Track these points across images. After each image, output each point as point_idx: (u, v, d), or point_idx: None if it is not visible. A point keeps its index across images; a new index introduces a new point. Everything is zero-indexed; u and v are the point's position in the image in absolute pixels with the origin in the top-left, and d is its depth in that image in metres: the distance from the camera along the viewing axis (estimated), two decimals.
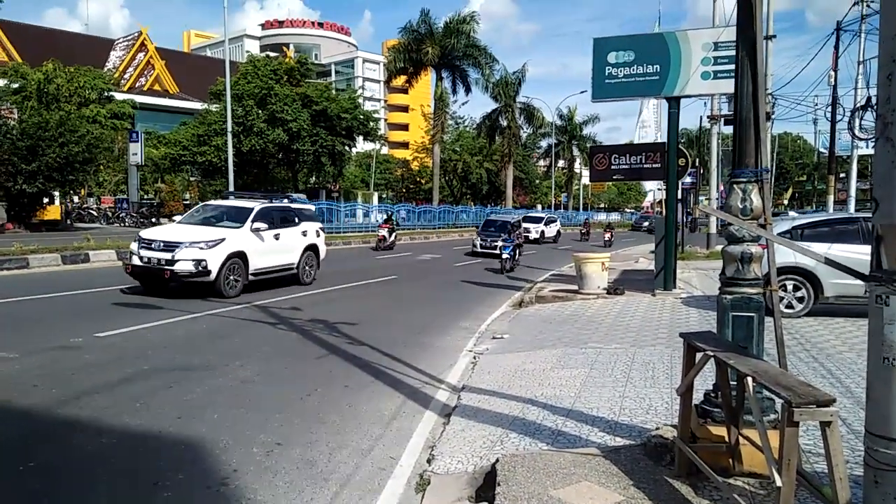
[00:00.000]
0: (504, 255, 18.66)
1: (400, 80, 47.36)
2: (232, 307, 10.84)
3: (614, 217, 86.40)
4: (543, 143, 70.99)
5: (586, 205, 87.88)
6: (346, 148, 40.81)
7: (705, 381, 4.94)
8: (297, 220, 14.16)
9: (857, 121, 21.45)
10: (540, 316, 11.26)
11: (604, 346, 8.22)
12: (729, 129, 28.60)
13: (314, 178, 45.71)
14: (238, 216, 12.81)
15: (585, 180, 77.52)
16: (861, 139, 22.92)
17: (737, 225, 4.16)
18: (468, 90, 47.08)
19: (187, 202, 39.41)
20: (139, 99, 48.01)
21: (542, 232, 36.81)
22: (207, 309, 10.49)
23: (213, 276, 11.36)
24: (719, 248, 7.42)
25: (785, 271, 9.97)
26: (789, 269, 10.05)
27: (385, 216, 30.94)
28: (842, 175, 40.09)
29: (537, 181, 75.92)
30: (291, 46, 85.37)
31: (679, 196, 16.30)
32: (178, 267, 11.14)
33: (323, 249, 15.07)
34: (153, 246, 11.45)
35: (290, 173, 41.82)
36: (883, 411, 2.63)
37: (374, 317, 10.70)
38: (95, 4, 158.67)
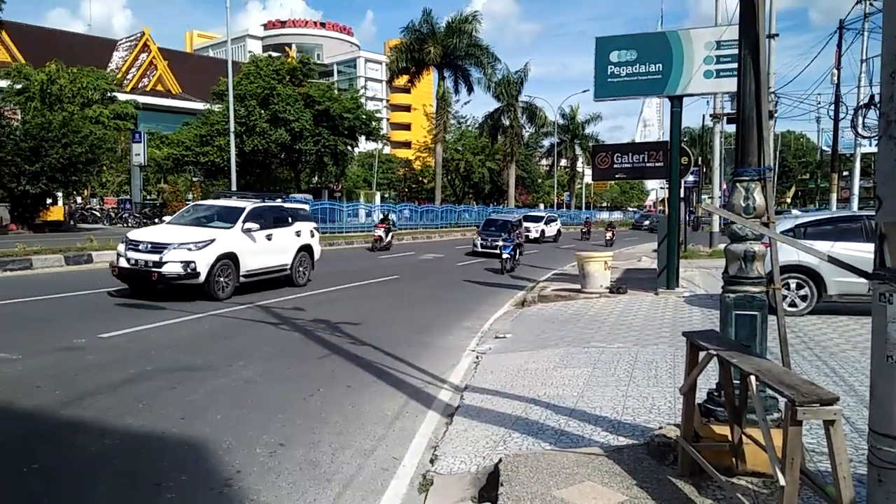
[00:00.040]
0: (504, 255, 18.52)
1: (402, 80, 47.43)
2: (234, 307, 10.85)
3: (617, 216, 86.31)
4: (546, 143, 70.99)
5: (589, 204, 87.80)
6: (349, 148, 40.88)
7: (708, 380, 4.93)
8: (290, 220, 13.88)
9: (860, 119, 21.40)
10: (542, 315, 11.25)
11: (607, 346, 8.21)
12: (731, 128, 28.58)
13: (317, 178, 45.79)
14: (229, 216, 12.51)
15: (588, 179, 77.38)
16: (864, 137, 22.85)
17: (740, 223, 4.15)
18: (470, 90, 47.13)
19: (190, 202, 39.47)
20: (142, 99, 48.13)
21: (543, 231, 36.63)
22: (210, 309, 10.50)
23: (202, 278, 11.07)
24: (722, 246, 7.41)
25: (788, 269, 9.94)
26: (792, 267, 10.02)
27: (382, 216, 30.48)
28: (845, 173, 39.99)
29: (540, 180, 75.88)
30: (294, 46, 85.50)
31: (682, 195, 16.27)
32: (165, 269, 10.84)
33: (317, 250, 14.78)
34: (140, 247, 11.16)
35: (292, 173, 41.89)
36: (886, 409, 2.62)
37: (377, 316, 10.70)
38: (98, 5, 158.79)
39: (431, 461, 4.76)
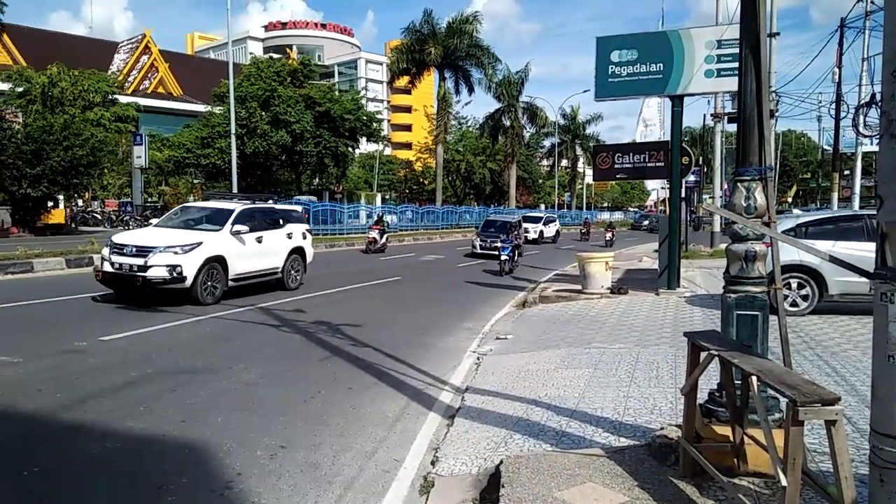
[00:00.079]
0: (503, 257, 18.27)
1: (403, 81, 47.43)
2: (235, 310, 10.85)
3: (618, 216, 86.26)
4: (546, 143, 70.98)
5: (590, 204, 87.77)
6: (350, 149, 40.90)
7: (710, 380, 4.92)
8: (281, 221, 13.62)
9: (862, 118, 21.37)
10: (543, 316, 11.24)
11: (608, 346, 8.20)
12: (732, 127, 28.60)
13: (317, 180, 45.83)
14: (217, 219, 12.21)
15: (589, 179, 77.31)
16: (865, 136, 22.82)
17: (741, 223, 4.14)
18: (471, 90, 47.11)
19: None
20: (143, 102, 48.23)
21: (541, 232, 36.37)
22: (210, 312, 10.50)
23: (188, 282, 10.75)
24: (723, 246, 7.40)
25: (789, 269, 9.93)
26: (794, 267, 10.01)
27: (376, 217, 29.97)
28: (846, 172, 39.92)
29: (541, 181, 75.85)
30: (294, 48, 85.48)
31: (683, 194, 16.26)
32: (150, 273, 10.53)
33: (310, 252, 14.49)
34: (125, 251, 10.84)
35: (293, 175, 41.93)
36: (888, 409, 2.61)
37: (378, 318, 10.69)
38: (99, 7, 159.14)
39: (432, 463, 4.75)
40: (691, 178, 25.89)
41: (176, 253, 10.76)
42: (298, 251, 13.85)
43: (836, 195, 28.32)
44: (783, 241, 4.14)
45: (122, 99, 43.35)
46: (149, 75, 59.65)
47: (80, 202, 37.16)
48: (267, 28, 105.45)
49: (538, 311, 11.94)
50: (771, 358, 3.99)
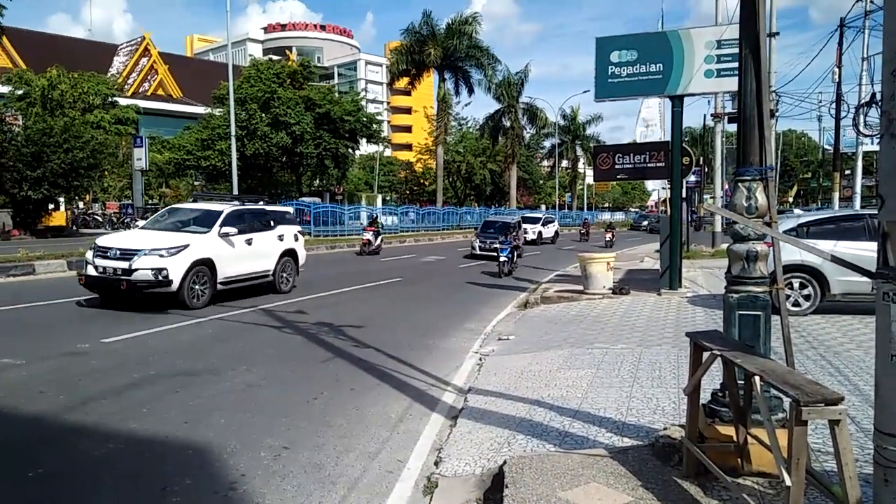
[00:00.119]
0: (501, 258, 18.03)
1: (402, 82, 47.44)
2: (236, 311, 10.87)
3: (619, 216, 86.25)
4: (547, 144, 71.03)
5: (590, 205, 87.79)
6: (350, 150, 40.91)
7: (713, 380, 4.92)
8: (272, 223, 13.28)
9: (862, 117, 21.35)
10: (545, 316, 11.24)
11: (610, 347, 8.20)
12: (733, 127, 28.58)
13: (318, 181, 45.83)
14: (205, 220, 11.89)
15: (589, 180, 77.32)
16: (866, 136, 22.81)
17: (742, 223, 4.14)
18: (471, 91, 47.12)
19: None
20: (143, 104, 48.25)
21: (540, 233, 36.01)
22: (212, 313, 10.51)
23: (174, 286, 10.45)
24: (725, 246, 7.41)
25: (791, 269, 9.93)
26: (795, 266, 10.01)
27: (370, 218, 29.33)
28: (847, 172, 39.92)
29: (541, 181, 75.88)
30: (294, 49, 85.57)
31: (684, 195, 16.26)
32: (135, 277, 10.24)
33: (302, 255, 14.19)
34: (109, 254, 10.56)
35: (293, 176, 41.95)
36: (892, 409, 2.61)
37: (379, 319, 10.70)
38: (98, 10, 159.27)
39: (436, 463, 4.76)
40: (692, 178, 25.88)
41: (162, 256, 10.49)
42: (290, 253, 13.59)
43: (837, 195, 28.30)
44: (784, 240, 4.15)
45: (122, 101, 43.39)
46: (148, 77, 59.71)
47: (80, 204, 37.19)
48: (266, 30, 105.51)
49: (540, 311, 11.95)
50: (773, 358, 3.99)
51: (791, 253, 9.39)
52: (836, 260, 3.38)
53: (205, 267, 11.10)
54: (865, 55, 25.31)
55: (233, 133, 26.16)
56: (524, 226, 32.01)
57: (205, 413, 5.61)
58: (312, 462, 4.70)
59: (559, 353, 8.05)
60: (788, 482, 2.87)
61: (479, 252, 23.49)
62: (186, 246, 10.87)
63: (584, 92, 62.54)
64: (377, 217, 30.63)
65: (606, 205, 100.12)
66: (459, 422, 5.59)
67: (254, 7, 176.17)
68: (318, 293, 13.30)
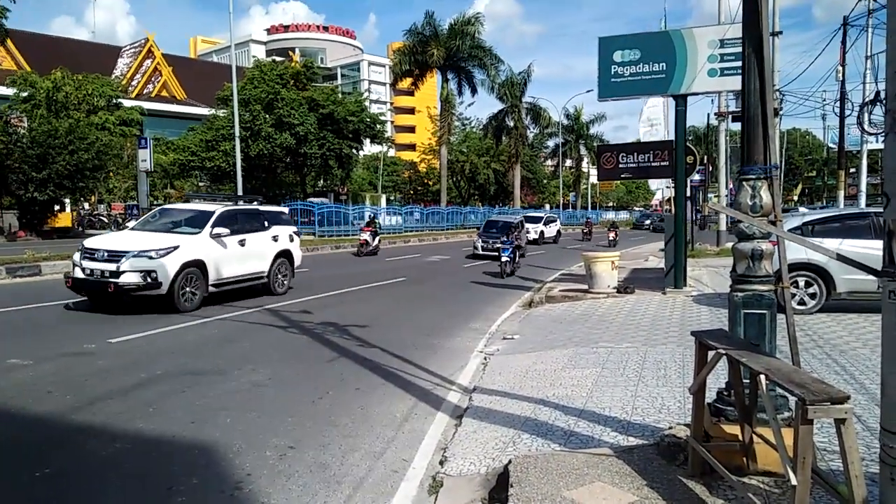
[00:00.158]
0: (503, 258, 17.76)
1: (406, 83, 47.45)
2: (242, 311, 10.89)
3: (623, 216, 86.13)
4: (550, 143, 71.01)
5: (595, 204, 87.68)
6: (354, 151, 40.96)
7: (718, 379, 4.91)
8: (266, 223, 13.01)
9: (866, 115, 21.32)
10: (550, 316, 11.24)
11: (615, 346, 8.19)
12: (737, 126, 28.48)
13: (322, 182, 45.90)
14: (197, 221, 11.64)
15: (593, 179, 77.29)
16: (870, 134, 22.76)
17: (747, 222, 4.14)
18: (474, 91, 47.13)
19: None
20: (147, 105, 48.32)
21: (542, 232, 35.60)
22: (217, 314, 10.54)
23: (164, 288, 10.21)
24: (729, 245, 7.39)
25: (796, 267, 9.91)
26: (801, 265, 9.99)
27: (368, 218, 28.78)
28: (852, 170, 39.78)
29: (545, 181, 75.85)
30: (297, 51, 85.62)
31: (688, 193, 16.22)
32: (123, 279, 9.97)
33: (298, 256, 13.93)
34: (96, 256, 10.29)
35: (297, 177, 42.01)
36: None
37: (384, 319, 10.71)
38: (102, 12, 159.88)
39: (441, 463, 4.77)
40: (696, 177, 25.81)
41: (151, 257, 10.25)
42: (285, 254, 13.34)
43: (842, 193, 28.19)
44: (790, 239, 4.14)
45: (126, 103, 43.45)
46: (152, 79, 59.79)
47: (86, 206, 37.30)
48: (269, 31, 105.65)
49: (544, 310, 11.94)
50: (779, 356, 3.98)
51: (797, 251, 9.37)
52: (841, 258, 3.38)
53: (196, 269, 10.86)
54: (869, 53, 25.25)
55: (237, 134, 26.19)
56: (526, 225, 31.71)
57: (211, 413, 5.63)
58: (318, 461, 4.71)
59: (564, 352, 8.05)
60: (794, 481, 2.87)
61: (481, 252, 23.25)
62: (177, 247, 10.62)
63: (588, 91, 62.60)
64: (375, 217, 30.24)
65: (610, 204, 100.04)
66: (464, 421, 5.59)
67: (257, 9, 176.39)
68: (323, 293, 13.31)
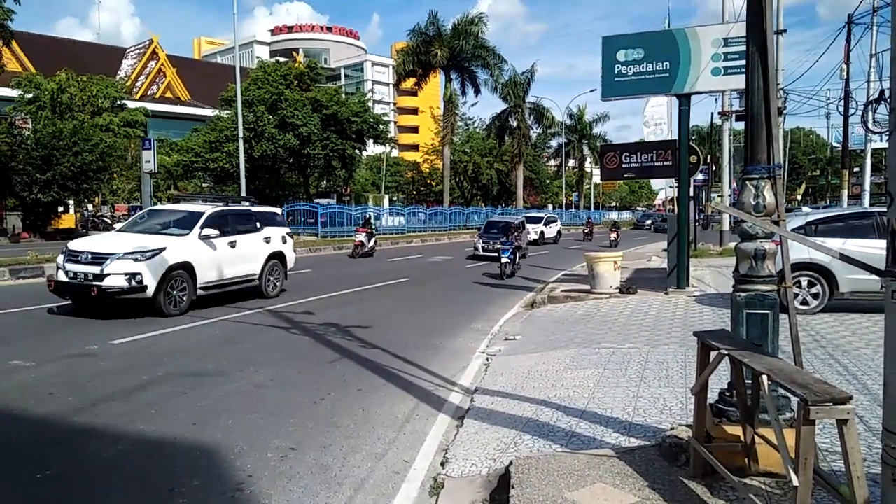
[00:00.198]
0: (503, 260, 17.48)
1: (409, 83, 47.45)
2: (244, 312, 10.90)
3: (626, 216, 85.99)
4: (553, 143, 71.01)
5: (598, 204, 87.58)
6: (357, 151, 40.98)
7: (720, 380, 4.90)
8: (258, 225, 12.73)
9: (871, 114, 21.20)
10: (552, 316, 11.22)
11: (617, 346, 8.17)
12: (740, 125, 28.38)
13: (325, 182, 45.94)
14: (185, 222, 11.35)
15: (596, 179, 77.21)
16: (874, 132, 22.63)
17: (750, 221, 4.12)
18: (477, 91, 47.12)
19: None
20: (151, 106, 48.39)
21: (542, 232, 35.20)
22: (220, 315, 10.55)
23: (150, 291, 9.91)
24: (732, 245, 7.37)
25: (799, 267, 9.87)
26: (804, 265, 9.95)
27: (363, 219, 28.43)
28: (855, 169, 39.68)
29: (548, 181, 75.81)
30: (301, 51, 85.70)
31: (691, 193, 16.19)
32: (107, 282, 9.70)
33: (291, 258, 13.66)
34: (80, 258, 10.00)
35: (301, 178, 42.05)
36: None
37: (386, 319, 10.71)
38: (107, 14, 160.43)
39: (442, 464, 4.76)
40: (700, 176, 25.76)
41: (136, 260, 9.96)
42: (277, 256, 13.06)
43: (845, 192, 28.09)
44: (793, 239, 4.13)
45: (131, 104, 43.51)
46: (156, 80, 59.92)
47: (90, 207, 37.40)
48: (273, 32, 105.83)
49: (547, 311, 11.93)
50: (781, 357, 3.97)
51: (800, 251, 9.34)
52: (844, 258, 3.36)
53: (183, 271, 10.59)
54: (874, 52, 25.16)
55: (240, 135, 26.23)
56: (527, 225, 31.41)
57: (213, 414, 5.63)
58: (319, 463, 4.70)
59: (566, 352, 8.03)
60: (796, 482, 2.85)
61: (481, 253, 23.05)
62: (163, 249, 10.33)
63: (591, 91, 62.81)
64: (370, 217, 29.84)
65: (613, 204, 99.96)
66: (466, 422, 5.58)
67: (261, 10, 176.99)
68: (325, 294, 13.31)
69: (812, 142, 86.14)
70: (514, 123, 52.21)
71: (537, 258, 25.06)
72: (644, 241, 36.24)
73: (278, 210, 14.73)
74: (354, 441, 5.16)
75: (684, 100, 12.87)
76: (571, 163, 74.13)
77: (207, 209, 11.76)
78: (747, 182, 4.23)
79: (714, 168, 35.71)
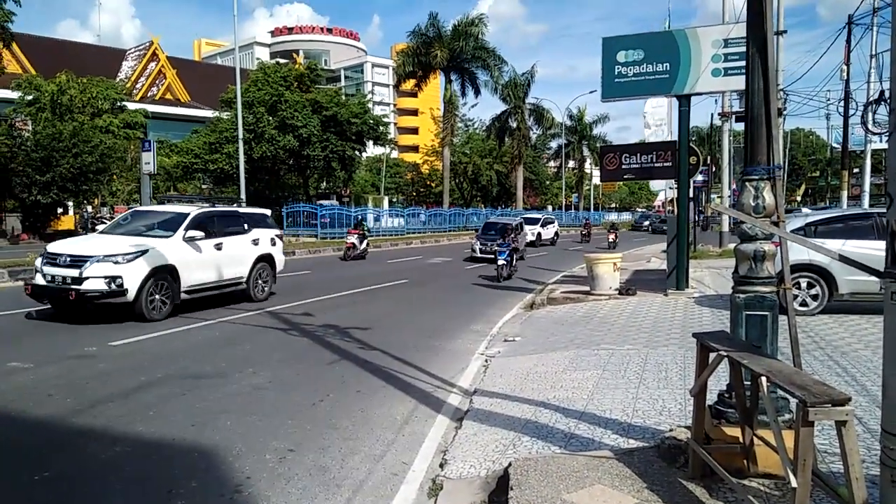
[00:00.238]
0: (500, 262, 17.26)
1: (409, 84, 47.46)
2: (244, 314, 10.90)
3: (625, 217, 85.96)
4: (553, 144, 71.00)
5: (597, 205, 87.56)
6: (356, 153, 40.97)
7: (719, 381, 4.89)
8: (246, 226, 12.44)
9: (871, 115, 21.21)
10: (552, 318, 11.22)
11: (616, 348, 8.17)
12: (740, 126, 28.39)
13: (325, 184, 45.94)
14: (170, 224, 11.05)
15: (596, 180, 77.17)
16: (874, 133, 22.64)
17: (749, 223, 4.12)
18: (477, 92, 47.08)
19: None
20: (151, 108, 48.40)
21: (539, 234, 34.91)
22: (219, 316, 10.55)
23: (130, 295, 9.60)
24: (732, 246, 7.37)
25: (799, 269, 9.87)
26: (803, 266, 9.95)
27: (355, 221, 28.08)
28: (855, 170, 39.67)
29: (548, 182, 75.80)
30: (301, 53, 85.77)
31: (691, 194, 16.18)
32: (85, 286, 9.41)
33: (280, 260, 13.39)
34: (59, 261, 9.73)
35: (300, 179, 42.05)
36: None
37: (385, 321, 10.70)
38: (107, 15, 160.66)
39: (441, 466, 4.75)
40: (699, 177, 25.75)
41: (116, 262, 9.63)
42: (266, 258, 12.76)
43: (845, 193, 28.09)
44: (792, 240, 4.12)
45: (131, 106, 43.53)
46: (156, 82, 59.94)
47: (89, 208, 37.40)
48: (273, 33, 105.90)
49: (546, 312, 11.92)
50: (780, 358, 3.96)
51: (799, 252, 9.33)
52: (844, 259, 3.36)
53: (166, 274, 10.28)
54: (874, 52, 25.16)
55: (240, 136, 26.23)
56: (524, 227, 31.07)
57: (211, 416, 5.63)
58: (317, 464, 4.70)
59: (565, 354, 8.03)
60: (794, 483, 2.85)
61: (479, 254, 22.89)
62: (145, 251, 10.02)
63: (591, 92, 62.62)
64: (363, 219, 29.60)
65: (613, 205, 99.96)
66: (465, 424, 5.58)
67: (261, 11, 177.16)
68: (325, 295, 13.30)
69: (812, 143, 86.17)
70: (514, 124, 52.23)
71: (536, 259, 25.06)
72: (643, 243, 36.20)
73: (267, 211, 14.53)
74: (353, 443, 5.16)
75: (684, 101, 12.87)
76: (571, 164, 74.11)
77: (192, 210, 11.48)
78: (747, 183, 4.22)
79: (714, 169, 35.70)
